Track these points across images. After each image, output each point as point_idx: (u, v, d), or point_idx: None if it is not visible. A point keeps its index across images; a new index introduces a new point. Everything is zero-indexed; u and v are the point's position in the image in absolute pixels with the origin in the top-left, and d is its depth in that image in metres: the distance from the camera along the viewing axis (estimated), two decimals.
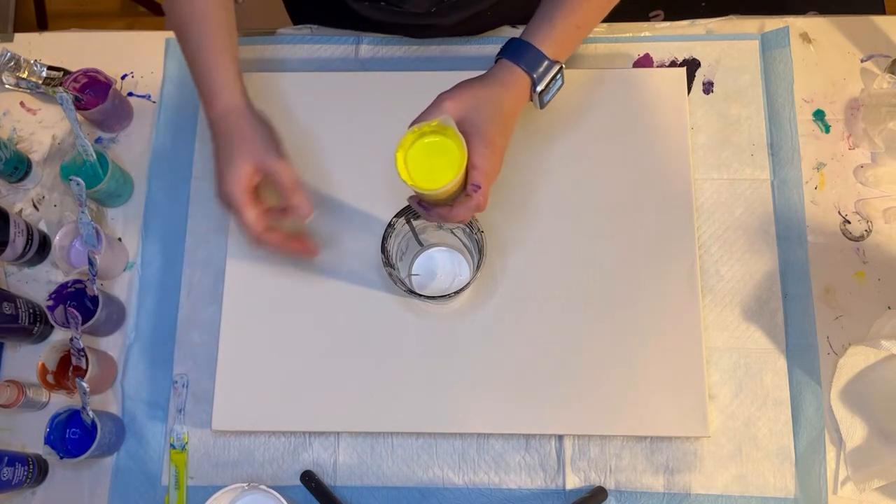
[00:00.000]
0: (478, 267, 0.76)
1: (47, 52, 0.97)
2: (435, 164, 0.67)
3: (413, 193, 0.70)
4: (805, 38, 0.94)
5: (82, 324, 0.79)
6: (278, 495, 0.74)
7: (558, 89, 0.76)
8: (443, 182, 0.66)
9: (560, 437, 0.82)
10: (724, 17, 0.95)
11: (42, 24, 1.93)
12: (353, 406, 0.82)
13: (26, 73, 0.94)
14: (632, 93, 0.90)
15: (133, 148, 0.93)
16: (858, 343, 0.82)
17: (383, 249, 0.76)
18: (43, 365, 0.81)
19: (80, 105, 0.89)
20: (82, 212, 0.83)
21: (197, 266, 0.88)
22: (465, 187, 0.69)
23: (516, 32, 0.94)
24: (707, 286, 0.86)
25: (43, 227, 0.90)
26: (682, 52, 0.94)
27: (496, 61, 0.74)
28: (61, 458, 0.77)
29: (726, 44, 0.94)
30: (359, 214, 0.87)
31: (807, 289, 0.85)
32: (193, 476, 0.83)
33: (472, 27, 0.94)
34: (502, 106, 0.70)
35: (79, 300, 0.85)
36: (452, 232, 0.83)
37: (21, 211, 0.92)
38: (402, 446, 0.83)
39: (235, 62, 0.76)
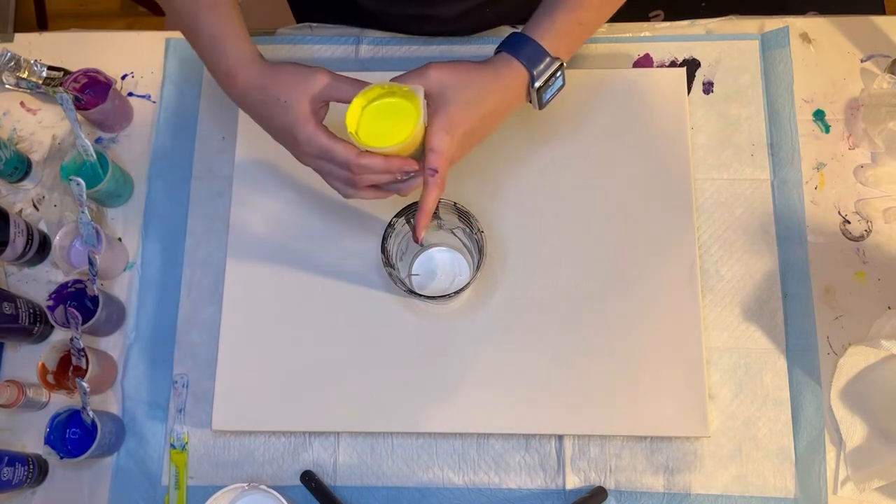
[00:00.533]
0: (478, 267, 0.76)
1: (47, 52, 0.97)
2: (386, 126, 0.66)
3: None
4: (805, 38, 0.94)
5: (82, 324, 0.79)
6: (278, 495, 0.75)
7: (559, 89, 0.74)
8: (382, 143, 0.64)
9: (560, 437, 0.82)
10: (724, 17, 0.95)
11: (42, 24, 1.93)
12: (353, 406, 0.82)
13: (26, 73, 0.94)
14: (632, 93, 0.90)
15: (133, 148, 0.93)
16: (858, 343, 0.82)
17: (383, 249, 0.76)
18: (43, 365, 0.81)
19: (80, 105, 0.89)
20: (82, 212, 0.83)
21: (197, 266, 0.88)
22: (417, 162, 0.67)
23: None
24: (707, 286, 0.86)
25: (43, 227, 0.90)
26: (682, 52, 0.94)
27: (495, 54, 0.72)
28: (61, 458, 0.77)
29: (726, 44, 0.94)
30: (359, 214, 0.87)
31: (807, 289, 0.85)
32: (193, 476, 0.83)
33: (471, 23, 0.94)
34: (485, 96, 0.68)
35: (79, 300, 0.85)
36: (452, 232, 0.83)
37: (21, 211, 0.92)
38: (402, 446, 0.83)
39: (240, 30, 0.71)
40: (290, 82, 0.67)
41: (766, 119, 0.91)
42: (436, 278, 0.85)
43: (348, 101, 0.66)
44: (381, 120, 0.66)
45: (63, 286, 0.83)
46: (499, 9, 0.92)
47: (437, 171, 0.66)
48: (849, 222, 0.88)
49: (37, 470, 0.80)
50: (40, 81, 0.94)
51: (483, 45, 0.95)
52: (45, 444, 0.78)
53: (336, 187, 0.70)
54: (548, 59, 0.70)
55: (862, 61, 0.93)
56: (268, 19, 1.00)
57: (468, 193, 0.83)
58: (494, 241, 0.85)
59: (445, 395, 0.81)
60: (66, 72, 0.95)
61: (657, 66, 0.93)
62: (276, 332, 0.84)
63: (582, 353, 0.82)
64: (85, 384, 0.77)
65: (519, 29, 0.73)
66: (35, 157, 0.93)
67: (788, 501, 0.80)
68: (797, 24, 0.94)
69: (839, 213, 0.88)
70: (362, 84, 0.67)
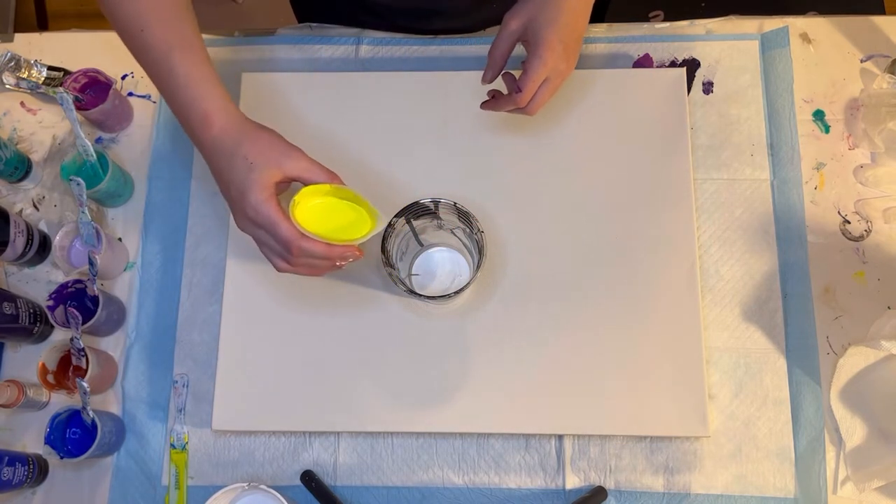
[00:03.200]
0: (478, 267, 0.76)
1: (47, 52, 0.97)
2: (334, 218, 0.68)
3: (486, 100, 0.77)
4: (805, 38, 0.94)
5: (82, 324, 0.79)
6: (278, 495, 0.74)
7: None
8: (330, 235, 0.66)
9: (560, 437, 0.82)
10: (723, 17, 0.95)
11: (42, 24, 1.93)
12: (353, 406, 0.82)
13: (26, 73, 0.94)
14: (632, 93, 0.90)
15: (133, 148, 0.93)
16: (858, 343, 0.82)
17: (383, 249, 0.76)
18: (43, 365, 0.81)
19: (80, 105, 0.89)
20: (82, 212, 0.83)
21: (197, 266, 0.88)
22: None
23: None
24: (707, 286, 0.86)
25: (43, 227, 0.90)
26: (682, 52, 0.94)
27: None
28: (61, 458, 0.77)
29: (726, 44, 0.94)
30: None
31: (806, 289, 0.85)
32: (193, 476, 0.83)
33: (479, 18, 0.93)
34: (562, 4, 0.70)
35: (79, 300, 0.85)
36: (452, 232, 0.83)
37: (21, 211, 0.92)
38: (402, 446, 0.83)
39: (217, 77, 0.69)
40: (265, 149, 0.66)
41: (765, 119, 0.91)
42: (436, 278, 0.85)
43: (316, 181, 0.67)
44: (330, 211, 0.68)
45: (63, 286, 0.83)
46: (508, 1, 0.92)
47: (520, 90, 0.72)
48: (849, 222, 0.88)
49: (37, 470, 0.80)
50: (40, 81, 0.94)
51: (483, 46, 0.94)
52: (45, 444, 0.77)
53: (269, 259, 0.69)
54: None
55: (862, 61, 0.93)
56: (268, 19, 1.00)
57: (468, 193, 0.83)
58: (494, 241, 0.85)
59: (445, 395, 0.81)
60: (66, 72, 0.95)
61: (657, 66, 0.93)
62: (276, 332, 0.84)
63: (582, 353, 0.82)
64: (85, 384, 0.77)
65: None
66: (35, 157, 0.93)
67: (788, 501, 0.80)
68: (797, 24, 0.94)
69: (839, 213, 0.88)
70: (334, 175, 0.68)
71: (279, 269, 0.69)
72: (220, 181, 0.68)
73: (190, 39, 0.68)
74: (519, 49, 0.75)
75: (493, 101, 0.77)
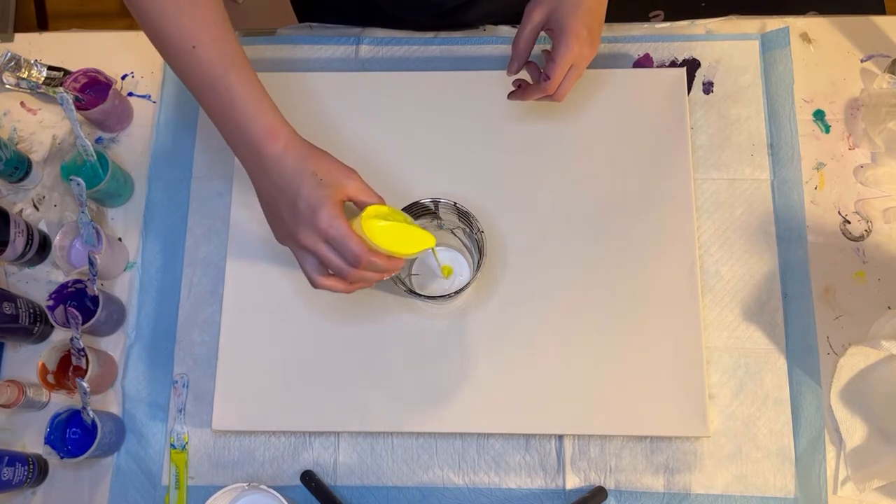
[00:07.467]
0: (478, 267, 0.76)
1: (47, 52, 0.97)
2: (395, 235, 0.68)
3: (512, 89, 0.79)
4: (805, 38, 0.94)
5: (82, 324, 0.79)
6: (278, 495, 0.74)
7: None
8: (398, 249, 0.68)
9: (560, 437, 0.82)
10: (724, 17, 0.95)
11: (42, 24, 1.93)
12: (353, 406, 0.82)
13: (26, 73, 0.94)
14: (632, 93, 0.90)
15: (133, 148, 0.93)
16: (858, 343, 0.82)
17: None
18: (43, 365, 0.81)
19: (80, 105, 0.89)
20: (82, 212, 0.83)
21: (197, 266, 0.88)
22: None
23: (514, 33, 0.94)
24: (707, 286, 0.86)
25: (43, 227, 0.90)
26: (682, 52, 0.94)
27: None
28: (61, 458, 0.77)
29: (726, 44, 0.94)
30: None
31: (807, 289, 0.85)
32: (193, 476, 0.83)
33: (477, 13, 0.94)
34: None
35: (79, 300, 0.85)
36: (452, 232, 0.83)
37: (21, 211, 0.92)
38: (402, 446, 0.83)
39: (268, 93, 0.69)
40: (332, 168, 0.66)
41: (766, 119, 0.91)
42: (436, 278, 0.85)
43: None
44: (391, 230, 0.68)
45: (63, 286, 0.83)
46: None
47: (548, 78, 0.73)
48: (849, 222, 0.88)
49: (37, 470, 0.80)
50: (41, 81, 0.94)
51: (482, 46, 0.95)
52: (46, 444, 0.78)
53: (309, 273, 0.68)
54: None
55: (862, 61, 0.93)
56: (268, 19, 1.00)
57: (468, 193, 0.83)
58: (494, 241, 0.85)
59: (445, 394, 0.81)
60: (66, 72, 0.95)
61: (657, 66, 0.93)
62: (276, 332, 0.84)
63: (582, 353, 0.82)
64: (85, 384, 0.77)
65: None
66: (35, 157, 0.93)
67: (788, 501, 0.80)
68: (797, 24, 0.94)
69: (839, 213, 0.88)
70: (381, 197, 0.69)
71: (318, 285, 0.68)
72: (281, 195, 0.66)
73: (241, 56, 0.67)
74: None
75: (520, 90, 0.78)
